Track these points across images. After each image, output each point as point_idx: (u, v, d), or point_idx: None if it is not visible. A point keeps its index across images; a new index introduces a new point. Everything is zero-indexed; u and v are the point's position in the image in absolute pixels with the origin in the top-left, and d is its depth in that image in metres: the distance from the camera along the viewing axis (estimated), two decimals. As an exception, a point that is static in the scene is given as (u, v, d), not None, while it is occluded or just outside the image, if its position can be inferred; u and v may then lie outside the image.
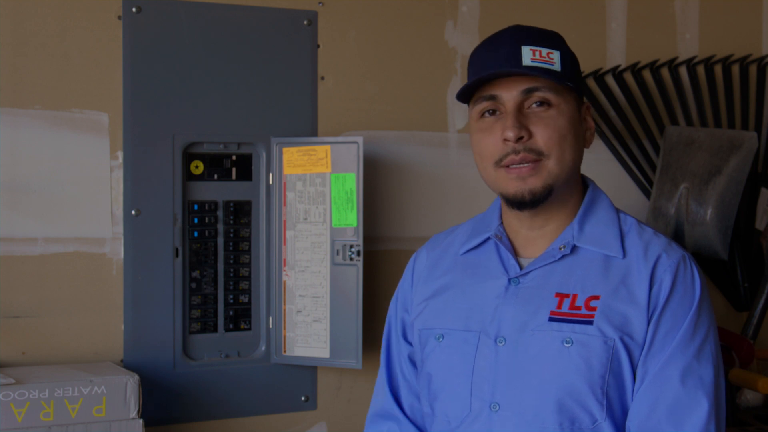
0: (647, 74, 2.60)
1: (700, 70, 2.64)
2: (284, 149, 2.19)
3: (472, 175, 2.41)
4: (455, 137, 2.40)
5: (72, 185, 2.07)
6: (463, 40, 2.40)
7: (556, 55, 1.52)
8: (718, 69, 2.65)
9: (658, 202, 2.45)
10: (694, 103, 2.63)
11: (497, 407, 1.51)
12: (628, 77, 2.58)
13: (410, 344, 1.71)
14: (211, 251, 2.20)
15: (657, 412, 1.46)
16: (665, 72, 2.62)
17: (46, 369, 1.97)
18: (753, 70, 2.69)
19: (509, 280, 1.57)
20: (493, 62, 1.52)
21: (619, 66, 2.56)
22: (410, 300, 1.72)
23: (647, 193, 2.57)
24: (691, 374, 1.47)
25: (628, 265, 1.53)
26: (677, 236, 2.41)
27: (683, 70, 2.63)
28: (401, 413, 1.70)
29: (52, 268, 2.06)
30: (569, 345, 1.48)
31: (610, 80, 2.56)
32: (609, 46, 2.56)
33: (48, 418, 1.83)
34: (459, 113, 2.40)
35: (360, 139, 2.15)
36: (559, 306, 1.51)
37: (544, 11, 2.48)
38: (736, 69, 2.67)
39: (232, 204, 2.21)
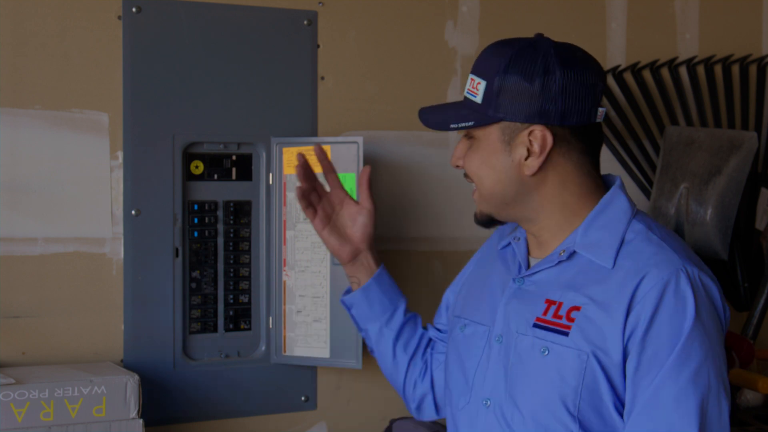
0: (647, 74, 2.60)
1: (700, 70, 2.64)
2: (284, 149, 2.19)
3: (472, 175, 2.41)
4: (455, 137, 2.40)
5: (72, 185, 2.07)
6: (463, 40, 2.40)
7: (481, 86, 1.53)
8: (718, 69, 2.65)
9: (658, 202, 2.45)
10: (694, 103, 2.63)
11: (488, 403, 1.55)
12: (628, 77, 2.58)
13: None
14: (211, 251, 2.20)
15: None
16: (665, 72, 2.62)
17: (46, 369, 1.97)
18: (753, 70, 2.69)
19: (514, 279, 1.59)
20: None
21: (619, 66, 2.56)
22: (460, 281, 1.83)
23: (647, 193, 2.57)
24: (686, 398, 1.41)
25: (615, 278, 1.48)
26: (677, 236, 2.41)
27: (683, 70, 2.63)
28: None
29: (52, 268, 2.06)
30: (546, 354, 1.48)
31: (610, 80, 2.56)
32: (609, 46, 2.56)
33: (48, 418, 1.83)
34: (459, 113, 2.40)
35: (360, 139, 2.15)
36: (545, 313, 1.51)
37: (544, 11, 2.48)
38: (736, 69, 2.67)
39: (232, 204, 2.21)
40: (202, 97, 2.16)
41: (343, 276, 2.17)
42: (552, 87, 1.49)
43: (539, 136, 1.51)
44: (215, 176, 2.20)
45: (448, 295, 1.87)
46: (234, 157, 2.21)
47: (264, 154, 2.22)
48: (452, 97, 2.39)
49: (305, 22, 2.25)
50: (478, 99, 1.53)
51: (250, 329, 2.24)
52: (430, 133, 2.37)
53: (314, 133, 2.26)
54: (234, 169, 2.21)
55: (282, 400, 2.25)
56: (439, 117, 1.61)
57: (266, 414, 2.24)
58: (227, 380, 2.20)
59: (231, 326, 2.22)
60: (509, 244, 1.67)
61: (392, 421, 2.20)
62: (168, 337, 2.14)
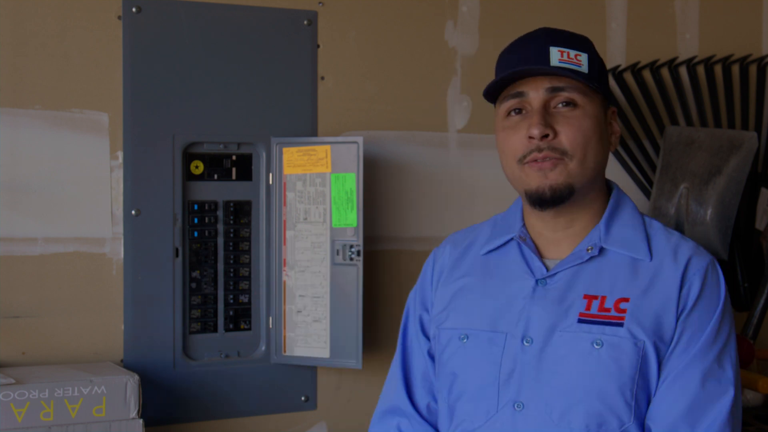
0: (647, 74, 2.60)
1: (700, 70, 2.64)
2: (284, 149, 2.19)
3: (471, 175, 2.41)
4: (455, 137, 2.40)
5: (72, 185, 2.07)
6: (463, 40, 2.40)
7: (584, 58, 1.54)
8: (718, 69, 2.65)
9: (658, 202, 2.45)
10: (694, 103, 2.63)
11: (521, 406, 1.51)
12: (628, 77, 2.58)
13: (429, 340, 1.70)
14: (211, 251, 2.20)
15: (674, 412, 1.47)
16: (665, 72, 2.62)
17: (46, 369, 1.97)
18: (753, 70, 2.69)
19: (537, 281, 1.56)
20: (521, 61, 1.54)
21: (619, 66, 2.56)
22: (430, 299, 1.70)
23: (647, 193, 2.57)
24: (711, 376, 1.48)
25: (657, 268, 1.53)
26: (677, 236, 2.41)
27: (683, 70, 2.63)
28: (414, 410, 1.68)
29: (52, 268, 2.06)
30: (599, 347, 1.49)
31: (610, 80, 2.56)
32: (609, 46, 2.56)
33: (48, 418, 1.83)
34: (459, 113, 2.40)
35: (360, 139, 2.15)
36: (588, 308, 1.52)
37: (544, 11, 2.48)
38: (736, 69, 2.67)
39: (232, 204, 2.21)
40: (202, 97, 2.16)
41: (342, 275, 2.18)
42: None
43: (616, 116, 1.61)
44: (215, 176, 2.20)
45: (420, 314, 1.72)
46: (234, 157, 2.21)
47: (264, 154, 2.22)
48: (452, 96, 2.39)
49: (305, 22, 2.25)
50: (585, 69, 1.54)
51: (250, 329, 2.24)
52: (430, 133, 2.37)
53: (314, 133, 2.26)
54: (234, 169, 2.21)
55: (282, 400, 2.25)
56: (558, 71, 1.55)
57: (266, 414, 2.24)
58: (227, 380, 2.20)
59: (231, 326, 2.22)
60: (503, 244, 1.63)
61: (392, 421, 2.20)
62: (168, 337, 2.14)
